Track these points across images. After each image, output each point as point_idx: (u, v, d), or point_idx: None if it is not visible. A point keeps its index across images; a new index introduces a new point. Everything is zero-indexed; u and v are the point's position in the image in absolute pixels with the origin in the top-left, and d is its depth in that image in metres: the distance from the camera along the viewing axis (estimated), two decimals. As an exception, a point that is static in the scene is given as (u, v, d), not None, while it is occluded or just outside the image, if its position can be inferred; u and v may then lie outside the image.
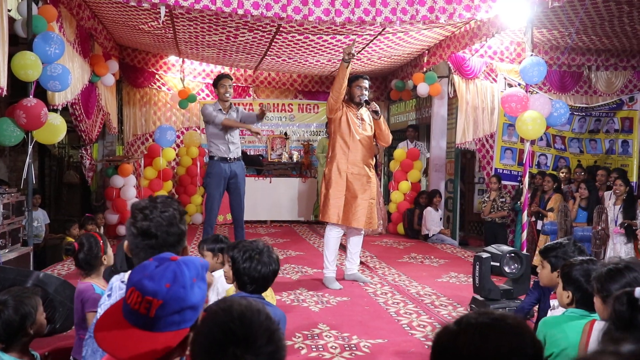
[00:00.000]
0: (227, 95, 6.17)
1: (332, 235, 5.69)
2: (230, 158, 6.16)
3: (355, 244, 5.85)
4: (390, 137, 5.85)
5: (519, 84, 7.14)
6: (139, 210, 1.90)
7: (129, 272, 1.94)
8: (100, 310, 1.92)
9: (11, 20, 5.43)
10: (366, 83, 5.72)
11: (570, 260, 2.64)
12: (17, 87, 5.70)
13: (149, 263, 1.46)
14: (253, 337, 1.33)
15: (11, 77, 5.28)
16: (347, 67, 5.38)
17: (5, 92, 5.04)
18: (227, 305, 1.39)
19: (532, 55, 6.20)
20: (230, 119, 6.15)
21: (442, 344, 1.18)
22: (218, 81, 6.24)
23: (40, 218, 7.67)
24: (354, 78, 5.70)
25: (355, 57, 5.54)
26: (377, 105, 5.67)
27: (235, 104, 6.47)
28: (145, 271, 1.43)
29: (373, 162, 5.86)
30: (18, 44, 5.91)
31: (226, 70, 10.54)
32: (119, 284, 1.98)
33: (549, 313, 3.14)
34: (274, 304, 3.17)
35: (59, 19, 6.05)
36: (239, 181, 6.25)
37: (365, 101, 5.63)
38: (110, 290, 1.99)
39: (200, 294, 1.45)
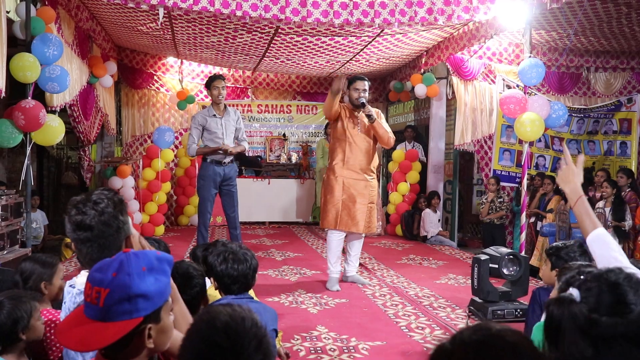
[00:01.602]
0: (220, 97, 6.16)
1: (333, 239, 5.68)
2: (224, 162, 6.15)
3: (355, 247, 5.83)
4: (392, 139, 5.70)
5: (518, 86, 7.14)
6: (73, 205, 1.91)
7: (77, 276, 2.01)
8: (61, 317, 1.96)
9: (9, 22, 5.43)
10: (363, 85, 5.61)
11: (570, 263, 2.64)
12: (16, 88, 5.70)
13: (105, 259, 1.50)
14: (239, 348, 1.32)
15: (10, 78, 5.27)
16: (334, 97, 5.37)
17: (3, 94, 5.03)
18: (210, 317, 1.39)
19: (530, 56, 6.21)
20: (201, 149, 6.20)
21: None
22: (210, 83, 6.17)
23: (39, 219, 7.66)
24: (352, 80, 5.65)
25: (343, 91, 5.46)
26: (370, 109, 5.54)
27: (231, 105, 6.44)
28: (98, 265, 1.47)
29: (375, 165, 5.80)
30: (17, 45, 5.91)
31: (224, 71, 10.54)
32: (68, 288, 2.02)
33: (543, 316, 3.14)
34: (262, 303, 3.16)
35: (57, 20, 6.04)
36: (232, 184, 6.25)
37: (362, 104, 5.53)
38: (65, 297, 2.04)
39: (156, 285, 1.46)
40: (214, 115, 6.15)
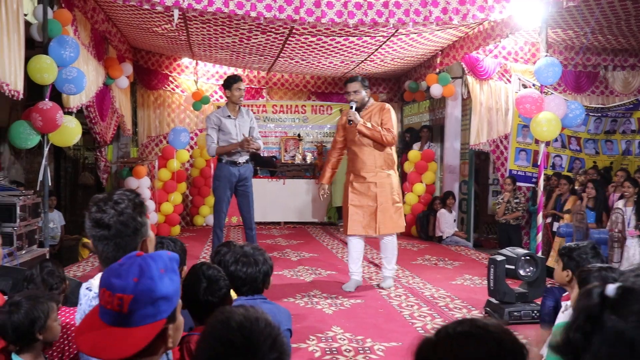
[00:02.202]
0: (242, 99, 6.18)
1: (349, 242, 5.70)
2: (239, 162, 6.16)
3: (383, 249, 5.73)
4: (387, 136, 5.45)
5: (534, 85, 7.09)
6: (94, 203, 1.94)
7: (94, 278, 2.00)
8: (77, 319, 1.98)
9: (27, 25, 5.48)
10: (351, 87, 5.51)
11: (589, 266, 2.61)
12: (34, 90, 5.75)
13: (116, 263, 1.49)
14: (254, 346, 1.34)
15: (27, 80, 5.33)
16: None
17: (21, 96, 5.09)
18: (225, 317, 1.40)
19: (546, 55, 6.16)
20: (222, 148, 6.08)
21: (422, 355, 1.18)
22: (233, 84, 6.06)
23: (56, 219, 7.74)
24: (344, 84, 5.73)
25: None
26: (352, 114, 5.42)
27: (244, 106, 6.44)
28: (111, 271, 1.45)
29: (387, 163, 5.60)
30: (34, 47, 5.97)
31: (239, 71, 10.56)
32: (84, 290, 2.03)
33: (560, 316, 3.11)
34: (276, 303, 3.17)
35: (73, 22, 6.09)
36: (247, 185, 6.24)
37: (350, 107, 5.48)
38: (80, 300, 2.05)
39: (172, 286, 1.46)
40: (229, 116, 6.13)
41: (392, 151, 5.64)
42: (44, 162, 5.66)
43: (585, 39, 7.46)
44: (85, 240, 7.32)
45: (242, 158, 6.16)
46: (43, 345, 2.55)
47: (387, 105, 5.63)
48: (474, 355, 1.12)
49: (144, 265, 1.43)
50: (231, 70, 10.51)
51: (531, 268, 4.58)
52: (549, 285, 3.98)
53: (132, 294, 1.39)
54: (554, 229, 7.39)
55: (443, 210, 8.82)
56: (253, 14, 5.42)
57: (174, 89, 10.49)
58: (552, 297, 3.69)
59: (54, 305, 2.57)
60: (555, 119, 6.06)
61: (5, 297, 2.74)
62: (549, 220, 7.59)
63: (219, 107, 10.38)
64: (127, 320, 1.39)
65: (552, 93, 6.74)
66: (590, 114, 8.16)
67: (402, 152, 10.11)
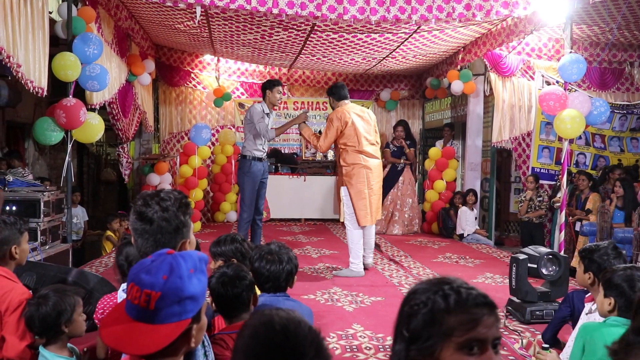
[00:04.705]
0: (279, 101, 6.53)
1: None
2: (264, 158, 6.44)
3: None
4: (317, 144, 6.07)
5: (557, 82, 7.00)
6: (141, 197, 1.98)
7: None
8: None
9: (52, 22, 5.54)
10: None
11: (613, 267, 2.57)
12: (57, 87, 5.82)
13: (146, 259, 1.49)
14: (300, 350, 1.30)
15: (52, 77, 5.39)
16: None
17: (45, 93, 5.15)
18: (267, 319, 1.37)
19: (571, 52, 6.08)
20: (280, 129, 6.58)
21: None
22: (277, 85, 6.40)
23: (80, 215, 7.83)
24: None
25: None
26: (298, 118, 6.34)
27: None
28: (142, 266, 1.46)
29: (342, 160, 6.08)
30: (58, 45, 6.03)
31: (260, 68, 10.61)
32: (121, 292, 2.06)
33: (584, 317, 3.07)
34: (298, 301, 3.20)
35: (97, 20, 6.15)
36: (266, 177, 6.61)
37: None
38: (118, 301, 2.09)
39: (200, 286, 1.47)
40: (267, 114, 6.42)
41: (342, 149, 6.05)
42: (67, 158, 5.73)
43: (611, 35, 7.35)
44: (109, 233, 7.40)
45: (265, 154, 6.38)
46: (68, 339, 2.60)
47: (331, 116, 6.05)
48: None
49: (174, 264, 1.44)
50: (253, 67, 10.55)
51: (554, 267, 4.52)
52: (570, 291, 3.91)
53: (160, 292, 1.40)
54: (577, 228, 7.31)
55: (464, 208, 8.76)
56: (275, 11, 5.42)
57: (195, 86, 10.55)
58: (567, 306, 3.63)
59: (80, 300, 2.62)
60: (580, 116, 5.98)
61: (30, 292, 2.79)
62: (571, 218, 7.50)
63: (240, 104, 10.49)
64: (153, 317, 1.40)
65: (576, 90, 6.65)
66: (616, 111, 8.04)
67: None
